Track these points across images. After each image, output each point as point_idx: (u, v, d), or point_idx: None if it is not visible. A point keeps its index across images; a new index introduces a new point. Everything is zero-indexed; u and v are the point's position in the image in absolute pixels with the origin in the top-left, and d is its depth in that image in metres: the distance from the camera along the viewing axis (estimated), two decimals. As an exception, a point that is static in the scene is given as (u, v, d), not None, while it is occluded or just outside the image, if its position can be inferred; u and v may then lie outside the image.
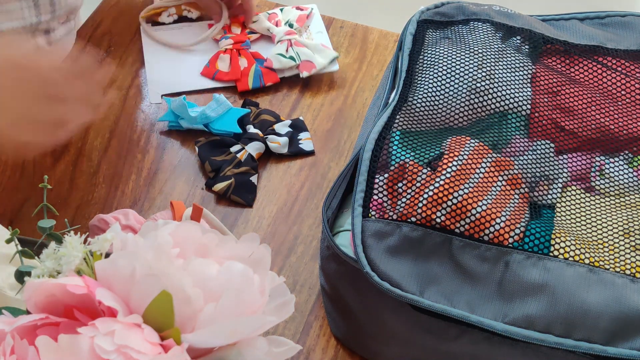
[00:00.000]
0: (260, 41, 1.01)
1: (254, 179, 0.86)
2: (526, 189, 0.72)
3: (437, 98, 0.76)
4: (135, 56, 1.00)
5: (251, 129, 0.90)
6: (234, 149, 0.88)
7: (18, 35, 0.86)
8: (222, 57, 0.98)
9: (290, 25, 1.00)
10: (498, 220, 0.68)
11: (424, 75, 0.78)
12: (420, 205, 0.68)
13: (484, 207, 0.68)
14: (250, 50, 0.99)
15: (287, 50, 0.97)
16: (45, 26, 0.90)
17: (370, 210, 0.70)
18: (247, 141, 0.88)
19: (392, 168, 0.72)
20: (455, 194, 0.68)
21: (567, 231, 0.69)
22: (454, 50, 0.80)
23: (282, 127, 0.91)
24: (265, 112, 0.92)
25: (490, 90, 0.76)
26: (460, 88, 0.76)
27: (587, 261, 0.66)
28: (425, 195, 0.68)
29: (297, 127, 0.91)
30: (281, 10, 1.03)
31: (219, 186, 0.85)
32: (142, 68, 0.99)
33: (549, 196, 0.72)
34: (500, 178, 0.71)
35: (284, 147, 0.89)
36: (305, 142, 0.90)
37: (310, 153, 0.90)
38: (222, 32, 1.01)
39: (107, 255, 0.53)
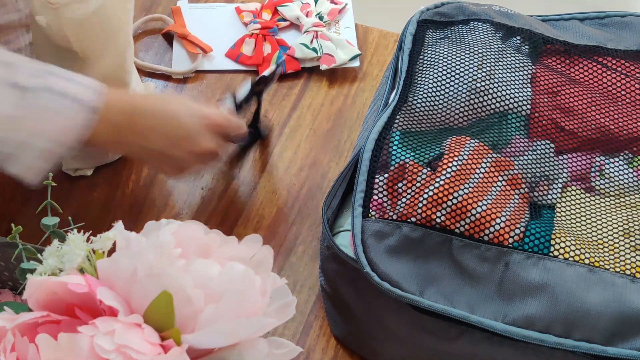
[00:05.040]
0: (289, 29, 1.02)
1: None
2: (526, 189, 0.72)
3: (437, 98, 0.76)
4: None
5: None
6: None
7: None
8: (248, 41, 0.99)
9: (320, 18, 1.00)
10: (498, 221, 0.68)
11: (424, 76, 0.78)
12: (420, 205, 0.68)
13: (484, 207, 0.68)
14: (276, 37, 1.00)
15: (311, 42, 0.98)
16: None
17: (370, 211, 0.70)
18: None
19: (392, 168, 0.72)
20: (455, 194, 0.68)
21: (567, 231, 0.69)
22: (454, 50, 0.80)
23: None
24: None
25: (490, 91, 0.76)
26: (460, 88, 0.76)
27: (587, 261, 0.66)
28: (425, 196, 0.68)
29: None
30: (315, 1, 1.03)
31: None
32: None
33: (549, 196, 0.72)
34: (500, 178, 0.71)
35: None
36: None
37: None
38: (251, 16, 1.01)
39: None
